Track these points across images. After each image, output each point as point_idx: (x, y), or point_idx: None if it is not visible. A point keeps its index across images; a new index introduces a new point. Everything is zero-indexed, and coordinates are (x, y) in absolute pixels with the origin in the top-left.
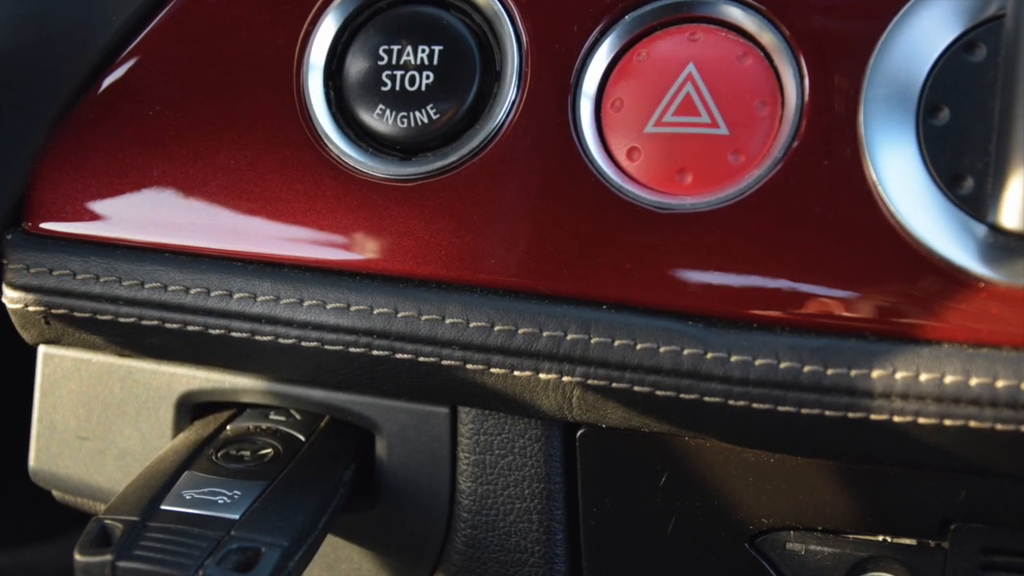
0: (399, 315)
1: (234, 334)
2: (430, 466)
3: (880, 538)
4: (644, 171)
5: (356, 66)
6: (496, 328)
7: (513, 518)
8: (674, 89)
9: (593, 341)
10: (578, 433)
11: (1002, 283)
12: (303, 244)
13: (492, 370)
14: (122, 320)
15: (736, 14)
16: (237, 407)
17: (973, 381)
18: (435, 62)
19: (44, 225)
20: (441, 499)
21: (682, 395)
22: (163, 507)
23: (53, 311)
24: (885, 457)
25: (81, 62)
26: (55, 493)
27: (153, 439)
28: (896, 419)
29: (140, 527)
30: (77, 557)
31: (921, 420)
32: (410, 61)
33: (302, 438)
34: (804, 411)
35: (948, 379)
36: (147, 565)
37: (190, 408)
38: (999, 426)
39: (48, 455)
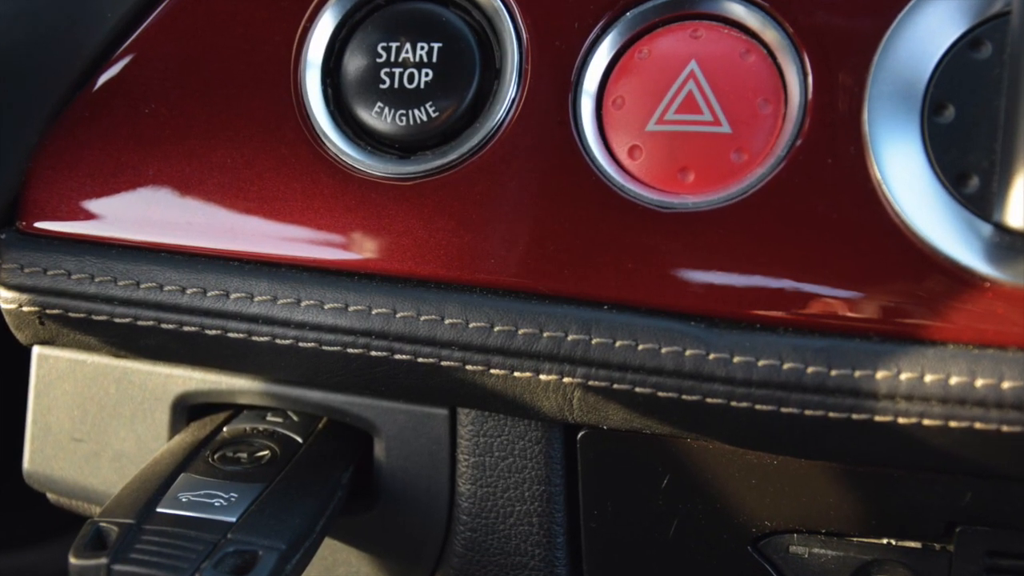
0: (398, 315)
1: (231, 335)
2: (429, 468)
3: (884, 541)
4: (646, 170)
5: (354, 63)
6: (496, 328)
7: (513, 521)
8: (676, 87)
9: (594, 342)
10: (579, 435)
11: (1008, 283)
12: (301, 243)
13: (492, 371)
14: (117, 320)
15: (739, 11)
16: (234, 408)
17: (979, 382)
18: (434, 59)
19: (39, 224)
20: (440, 502)
21: (684, 396)
22: (159, 510)
23: (48, 311)
24: (889, 459)
25: (76, 59)
26: (50, 496)
27: (149, 441)
28: (901, 421)
29: (136, 530)
30: (72, 560)
31: (926, 422)
32: (409, 58)
33: (300, 440)
34: (808, 412)
35: (953, 380)
36: (143, 568)
37: (186, 409)
38: (1005, 428)
39: (43, 457)
